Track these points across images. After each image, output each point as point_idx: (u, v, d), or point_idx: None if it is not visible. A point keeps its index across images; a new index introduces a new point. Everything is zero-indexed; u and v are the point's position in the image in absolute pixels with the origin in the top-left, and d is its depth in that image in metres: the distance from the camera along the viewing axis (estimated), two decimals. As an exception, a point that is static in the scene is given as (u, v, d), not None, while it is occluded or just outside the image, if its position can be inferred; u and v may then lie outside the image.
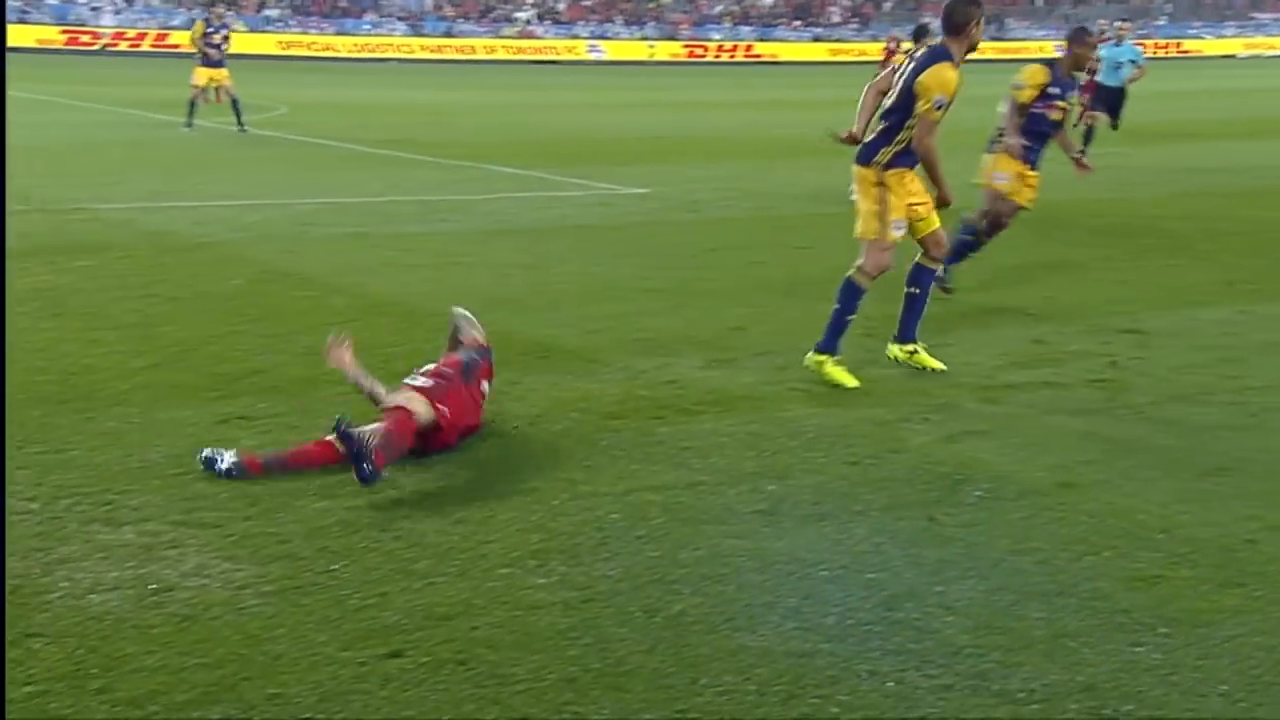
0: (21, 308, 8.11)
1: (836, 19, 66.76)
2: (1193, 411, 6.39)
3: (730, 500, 5.10)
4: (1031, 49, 67.16)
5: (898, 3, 69.76)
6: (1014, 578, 4.36)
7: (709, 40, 61.94)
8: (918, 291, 7.21)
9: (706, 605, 4.11)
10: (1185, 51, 60.36)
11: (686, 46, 60.89)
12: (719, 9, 64.66)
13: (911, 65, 6.90)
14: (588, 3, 62.63)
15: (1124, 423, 6.22)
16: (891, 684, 3.62)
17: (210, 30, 22.49)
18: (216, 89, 23.04)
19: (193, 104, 21.80)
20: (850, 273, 6.99)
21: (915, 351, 7.18)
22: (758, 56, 61.45)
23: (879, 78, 7.44)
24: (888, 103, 6.94)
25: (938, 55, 6.75)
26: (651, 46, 59.64)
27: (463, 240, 11.50)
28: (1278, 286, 9.45)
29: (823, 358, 6.92)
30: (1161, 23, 75.83)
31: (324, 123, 23.75)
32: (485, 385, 6.01)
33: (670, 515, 4.90)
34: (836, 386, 6.78)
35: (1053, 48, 67.84)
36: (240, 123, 21.42)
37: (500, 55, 56.53)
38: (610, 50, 58.93)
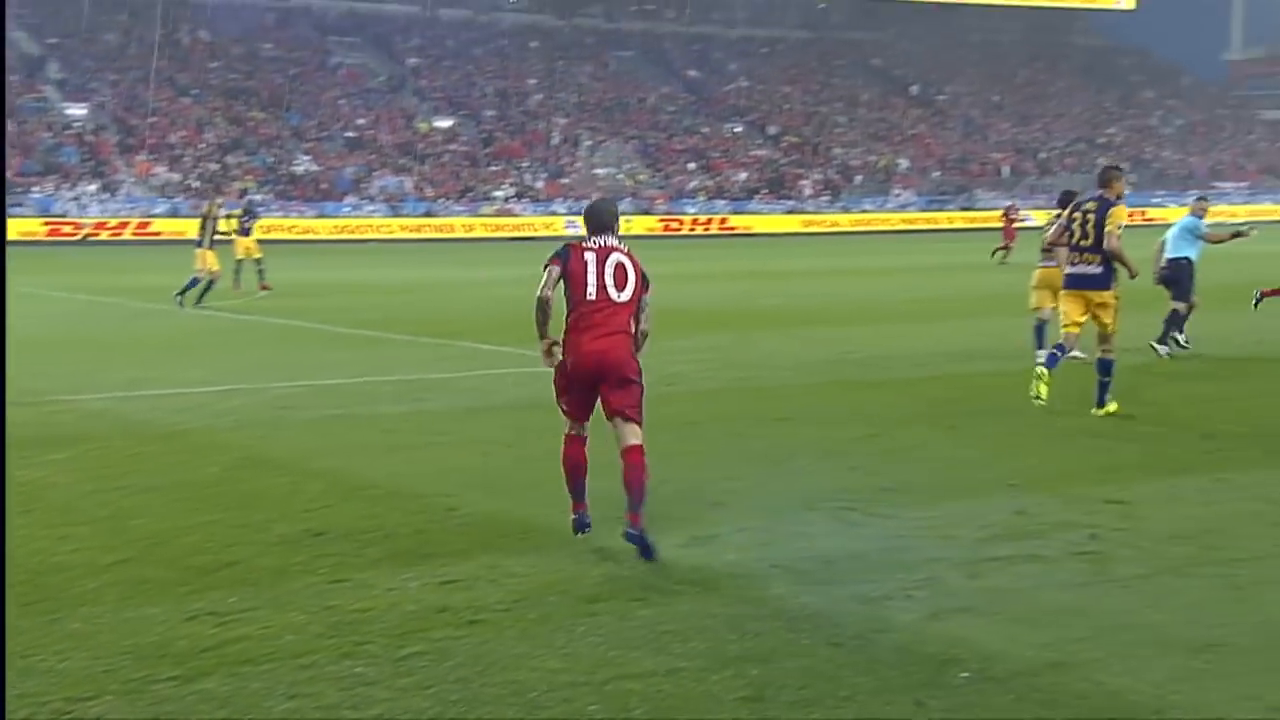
0: (-8, 502, 8.00)
1: (809, 192, 68.36)
2: (1180, 584, 6.31)
3: (713, 687, 4.98)
4: (995, 217, 68.83)
5: (867, 177, 71.59)
6: (1008, 765, 4.24)
7: (684, 214, 63.22)
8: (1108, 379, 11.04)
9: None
10: (1150, 219, 61.95)
11: (662, 220, 62.09)
12: (693, 184, 66.18)
13: (1094, 210, 11.10)
14: (565, 180, 64.01)
15: (1112, 597, 6.14)
16: None
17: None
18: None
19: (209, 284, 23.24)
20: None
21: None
22: (733, 229, 62.67)
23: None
24: (1086, 243, 11.04)
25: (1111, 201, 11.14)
26: (628, 221, 60.80)
27: (442, 418, 11.48)
28: (1256, 453, 9.46)
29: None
30: (1127, 192, 77.82)
31: (304, 305, 23.95)
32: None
33: (651, 705, 4.78)
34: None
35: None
36: (181, 296, 22.78)
37: (479, 233, 57.47)
38: (587, 226, 59.95)
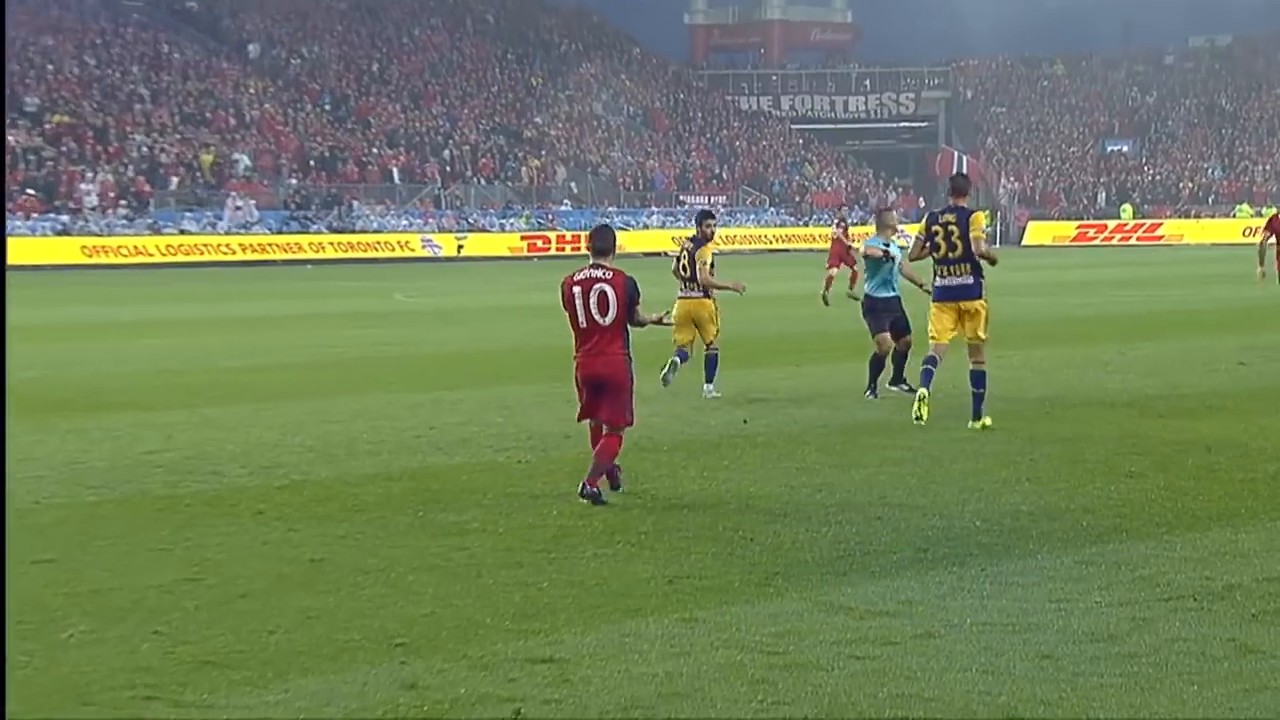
0: None
1: (94, 203, 67.20)
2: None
3: None
4: (379, 240, 71.00)
5: (188, 181, 71.64)
6: None
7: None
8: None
9: None
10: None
11: None
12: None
13: (955, 221, 16.17)
14: None
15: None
16: None
17: None
18: None
19: None
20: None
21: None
22: (-28, 259, 60.43)
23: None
24: (955, 254, 16.11)
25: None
26: None
27: None
28: (729, 579, 10.18)
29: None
30: (565, 206, 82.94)
31: None
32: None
33: None
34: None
35: (419, 243, 72.29)
36: None
37: None
38: None
